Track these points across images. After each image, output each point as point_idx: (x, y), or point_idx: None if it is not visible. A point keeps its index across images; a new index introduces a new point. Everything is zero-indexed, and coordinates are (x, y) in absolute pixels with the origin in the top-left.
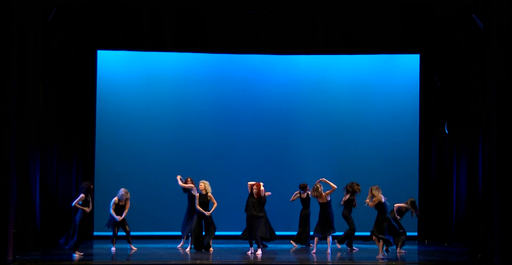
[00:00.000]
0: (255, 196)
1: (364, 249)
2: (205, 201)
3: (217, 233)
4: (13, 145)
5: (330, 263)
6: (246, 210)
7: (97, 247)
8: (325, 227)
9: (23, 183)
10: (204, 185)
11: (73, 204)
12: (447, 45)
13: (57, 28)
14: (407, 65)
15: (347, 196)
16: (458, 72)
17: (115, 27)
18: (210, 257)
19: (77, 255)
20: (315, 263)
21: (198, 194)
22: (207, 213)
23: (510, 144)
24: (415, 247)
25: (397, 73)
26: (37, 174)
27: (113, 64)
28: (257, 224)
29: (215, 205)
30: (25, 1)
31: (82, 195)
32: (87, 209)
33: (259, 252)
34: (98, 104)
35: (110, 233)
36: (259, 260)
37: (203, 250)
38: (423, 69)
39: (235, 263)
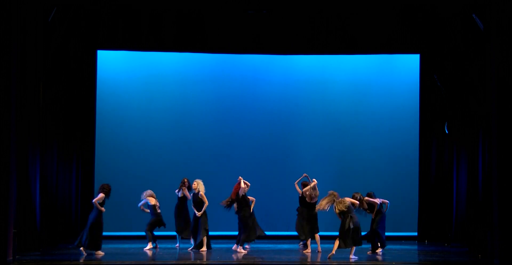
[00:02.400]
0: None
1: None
2: (197, 200)
3: (216, 233)
4: (13, 145)
5: (330, 263)
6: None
7: None
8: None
9: (23, 183)
10: (197, 184)
11: (93, 201)
12: (447, 45)
13: (57, 28)
14: (407, 65)
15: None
16: (458, 73)
17: (115, 27)
18: (209, 257)
19: (84, 254)
20: (315, 263)
21: (191, 194)
22: (198, 214)
23: (510, 144)
24: (415, 247)
25: (397, 73)
26: (37, 174)
27: (113, 64)
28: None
29: (206, 204)
30: (25, 1)
31: (102, 195)
32: (103, 209)
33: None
34: (98, 104)
35: (109, 233)
36: (248, 258)
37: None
38: (423, 69)
39: (234, 263)
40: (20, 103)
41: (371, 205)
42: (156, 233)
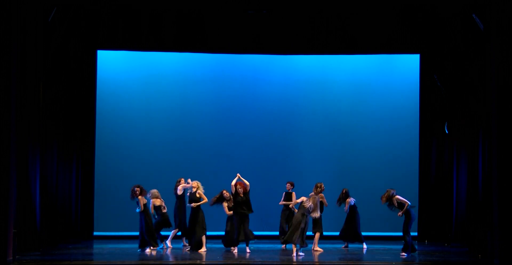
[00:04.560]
0: (241, 195)
1: (361, 249)
2: (194, 198)
3: (216, 233)
4: (13, 145)
5: (331, 263)
6: (233, 210)
7: (97, 247)
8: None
9: (23, 183)
10: (198, 184)
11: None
12: (447, 45)
13: (57, 28)
14: (407, 65)
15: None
16: (458, 73)
17: (115, 27)
18: (209, 257)
19: (148, 250)
20: (315, 263)
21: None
22: (193, 205)
23: (510, 144)
24: (415, 247)
25: (397, 73)
26: (37, 174)
27: (113, 64)
28: (247, 222)
29: (204, 201)
30: (25, 1)
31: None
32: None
33: (248, 250)
34: (98, 104)
35: (109, 233)
36: (248, 259)
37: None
38: (423, 69)
39: (235, 263)
40: (20, 103)
41: (401, 204)
42: (162, 233)
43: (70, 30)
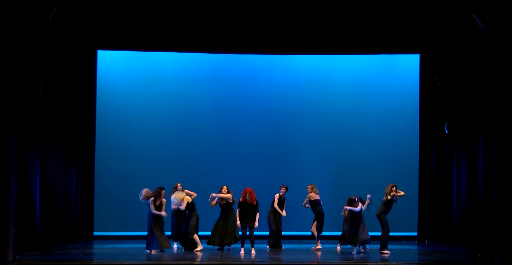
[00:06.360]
0: (249, 202)
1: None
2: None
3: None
4: (13, 145)
5: (332, 263)
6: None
7: (97, 247)
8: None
9: (23, 183)
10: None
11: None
12: (447, 45)
13: (57, 28)
14: (407, 65)
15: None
16: (458, 72)
17: (115, 27)
18: (207, 257)
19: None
20: (318, 263)
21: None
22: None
23: (510, 144)
24: (415, 247)
25: (397, 73)
26: (37, 174)
27: (113, 64)
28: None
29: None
30: (25, 1)
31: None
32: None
33: (254, 251)
34: (98, 104)
35: (109, 233)
36: (254, 259)
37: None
38: (423, 69)
39: (235, 263)
40: (20, 103)
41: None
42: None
43: (70, 30)
